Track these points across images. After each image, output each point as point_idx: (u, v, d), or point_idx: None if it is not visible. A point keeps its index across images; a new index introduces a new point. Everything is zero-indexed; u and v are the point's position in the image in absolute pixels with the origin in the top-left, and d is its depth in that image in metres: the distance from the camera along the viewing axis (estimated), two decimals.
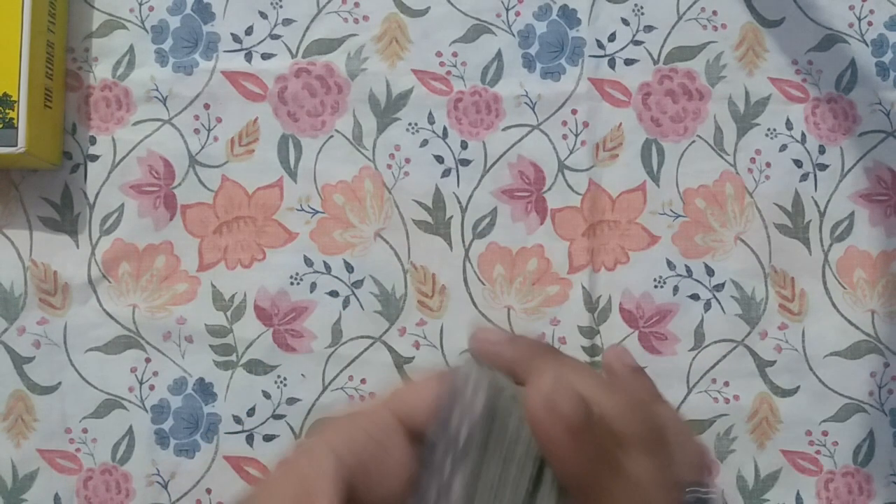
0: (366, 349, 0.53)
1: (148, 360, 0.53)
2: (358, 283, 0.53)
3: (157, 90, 0.54)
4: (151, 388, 0.53)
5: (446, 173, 0.54)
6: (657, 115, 0.55)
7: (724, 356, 0.54)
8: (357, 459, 0.26)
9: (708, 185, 0.55)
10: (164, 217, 0.53)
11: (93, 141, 0.53)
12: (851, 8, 0.56)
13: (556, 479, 0.25)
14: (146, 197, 0.53)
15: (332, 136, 0.54)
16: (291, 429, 0.53)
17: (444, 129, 0.54)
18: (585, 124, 0.54)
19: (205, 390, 0.53)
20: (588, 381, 0.25)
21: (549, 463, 0.24)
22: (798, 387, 0.54)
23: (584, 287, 0.53)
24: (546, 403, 0.23)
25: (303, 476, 0.25)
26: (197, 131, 0.54)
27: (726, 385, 0.53)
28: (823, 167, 0.55)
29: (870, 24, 0.56)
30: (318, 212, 0.54)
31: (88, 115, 0.54)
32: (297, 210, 0.54)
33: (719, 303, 0.54)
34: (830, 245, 0.54)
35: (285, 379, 0.52)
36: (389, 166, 0.54)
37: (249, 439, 0.52)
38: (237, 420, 0.52)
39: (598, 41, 0.55)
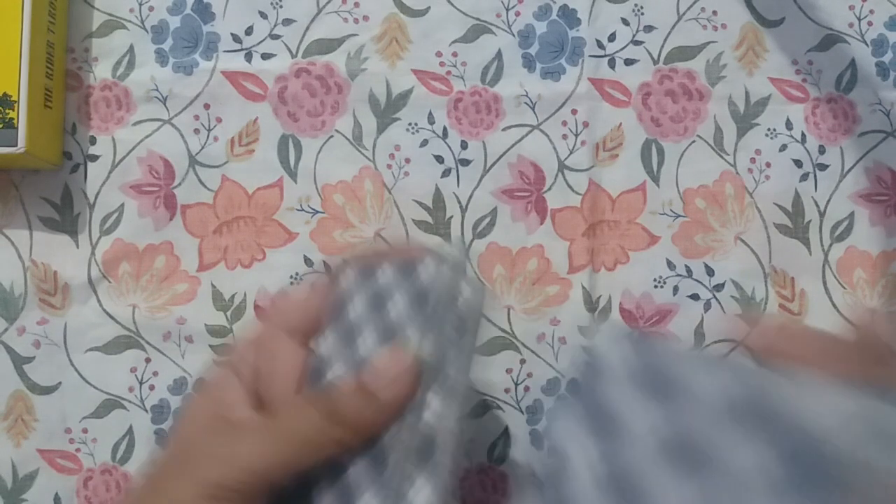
0: None
1: (148, 360, 0.53)
2: None
3: (157, 90, 0.54)
4: (151, 388, 0.53)
5: (446, 173, 0.54)
6: (657, 115, 0.55)
7: (724, 356, 0.54)
8: (252, 369, 0.32)
9: (708, 185, 0.55)
10: (164, 217, 0.53)
11: (93, 141, 0.53)
12: (851, 8, 0.56)
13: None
14: (146, 197, 0.53)
15: (332, 136, 0.54)
16: None
17: (444, 129, 0.54)
18: (585, 124, 0.54)
19: None
20: None
21: None
22: None
23: (584, 287, 0.53)
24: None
25: (212, 393, 0.33)
26: (197, 131, 0.54)
27: None
28: (823, 167, 0.55)
29: (870, 24, 0.56)
30: (318, 212, 0.54)
31: (88, 115, 0.54)
32: (297, 210, 0.54)
33: (719, 303, 0.54)
34: (830, 245, 0.54)
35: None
36: (389, 166, 0.54)
37: None
38: None
39: (598, 41, 0.55)
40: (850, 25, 0.56)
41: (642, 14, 0.55)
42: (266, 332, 0.34)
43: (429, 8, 0.55)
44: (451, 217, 0.54)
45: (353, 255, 0.35)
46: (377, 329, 0.30)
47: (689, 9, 0.55)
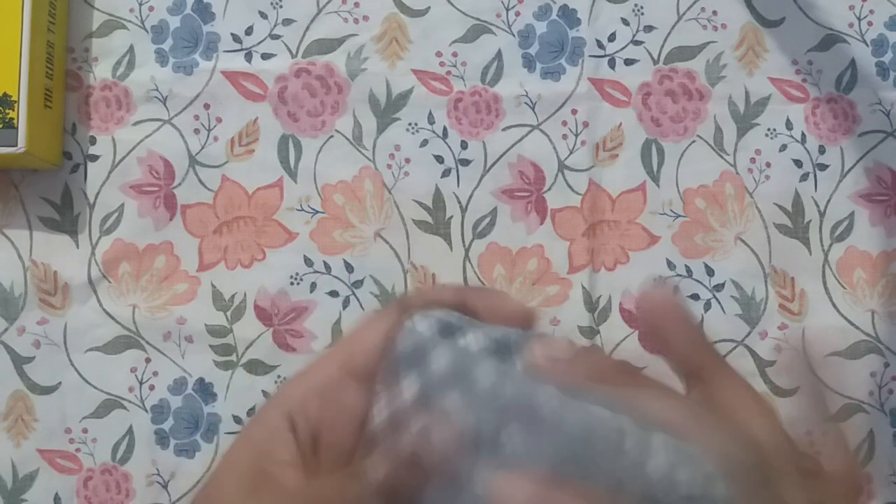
0: None
1: (148, 360, 0.53)
2: (358, 284, 0.53)
3: (157, 90, 0.54)
4: (151, 388, 0.53)
5: (446, 173, 0.54)
6: (657, 115, 0.55)
7: (724, 356, 0.54)
8: (307, 415, 0.28)
9: (708, 185, 0.55)
10: (164, 217, 0.53)
11: (93, 141, 0.53)
12: (851, 8, 0.56)
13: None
14: (146, 197, 0.53)
15: (332, 136, 0.54)
16: None
17: (444, 129, 0.54)
18: (585, 124, 0.54)
19: (205, 390, 0.53)
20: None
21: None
22: (798, 387, 0.54)
23: (584, 287, 0.53)
24: None
25: (258, 441, 0.28)
26: (197, 131, 0.54)
27: None
28: (823, 167, 0.55)
29: (870, 24, 0.56)
30: (318, 212, 0.54)
31: (88, 115, 0.54)
32: (297, 210, 0.54)
33: (719, 303, 0.54)
34: (830, 245, 0.54)
35: (285, 379, 0.52)
36: (389, 166, 0.54)
37: None
38: (237, 420, 0.52)
39: (598, 41, 0.55)
40: (850, 25, 0.56)
41: (642, 14, 0.55)
42: (324, 371, 0.30)
43: (429, 8, 0.55)
44: (451, 217, 0.54)
45: (439, 297, 0.30)
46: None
47: (689, 9, 0.55)
